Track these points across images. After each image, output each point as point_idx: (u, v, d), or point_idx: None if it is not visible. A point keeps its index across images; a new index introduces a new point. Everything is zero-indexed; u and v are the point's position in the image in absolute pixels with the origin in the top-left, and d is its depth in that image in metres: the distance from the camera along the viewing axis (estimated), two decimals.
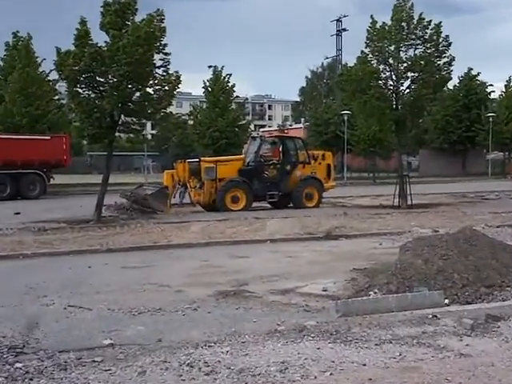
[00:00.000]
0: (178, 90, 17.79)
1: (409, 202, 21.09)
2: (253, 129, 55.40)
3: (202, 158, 22.07)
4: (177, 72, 17.04)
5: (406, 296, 6.54)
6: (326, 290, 8.02)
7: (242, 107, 44.31)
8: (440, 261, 7.26)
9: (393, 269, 7.57)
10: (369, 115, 22.64)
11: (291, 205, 21.76)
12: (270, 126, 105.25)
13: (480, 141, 55.05)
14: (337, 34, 71.10)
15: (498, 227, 14.38)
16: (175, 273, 9.59)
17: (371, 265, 9.68)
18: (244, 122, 44.48)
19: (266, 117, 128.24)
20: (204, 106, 45.20)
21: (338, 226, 15.16)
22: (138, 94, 17.06)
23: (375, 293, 7.12)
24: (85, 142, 67.59)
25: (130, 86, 16.58)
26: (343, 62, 64.05)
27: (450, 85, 45.40)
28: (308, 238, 13.56)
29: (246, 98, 52.59)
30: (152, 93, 17.00)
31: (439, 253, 7.41)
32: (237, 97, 42.65)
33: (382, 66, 20.54)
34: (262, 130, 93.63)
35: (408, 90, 20.73)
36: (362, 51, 20.68)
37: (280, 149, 22.19)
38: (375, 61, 20.46)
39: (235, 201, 20.51)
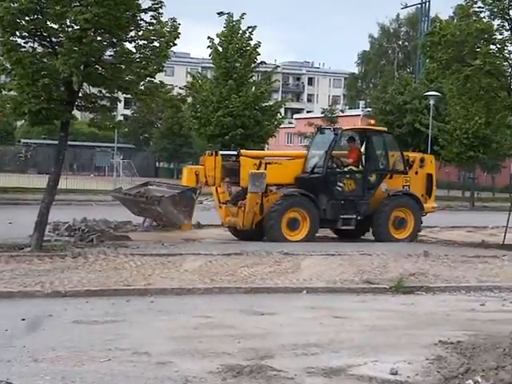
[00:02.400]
0: (172, 49, 17.93)
1: None
2: (283, 113, 55.58)
3: (243, 151, 22.43)
4: (173, 20, 17.22)
5: None
6: (395, 374, 7.98)
7: (270, 80, 44.32)
8: None
9: (506, 345, 7.55)
10: (471, 99, 22.56)
11: (370, 236, 22.14)
12: (309, 112, 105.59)
13: None
14: None
15: None
16: (158, 334, 9.62)
17: (469, 336, 9.64)
18: (271, 102, 44.67)
19: (305, 96, 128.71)
20: (209, 76, 45.42)
21: (414, 273, 15.17)
22: (111, 50, 17.24)
23: (477, 383, 7.07)
24: (19, 124, 68.49)
25: (99, 39, 16.72)
26: (432, 14, 64.37)
27: None
28: (367, 290, 13.61)
29: (277, 66, 52.75)
30: (134, 50, 17.17)
31: None
32: (262, 63, 42.87)
33: (496, 22, 20.55)
34: (295, 116, 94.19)
35: None
36: None
37: (362, 149, 22.49)
38: (486, 13, 20.46)
39: (293, 226, 20.81)
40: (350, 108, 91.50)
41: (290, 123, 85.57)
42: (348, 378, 7.82)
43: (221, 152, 21.99)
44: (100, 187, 42.99)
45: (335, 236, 22.97)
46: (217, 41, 41.24)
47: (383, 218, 21.64)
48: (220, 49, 41.27)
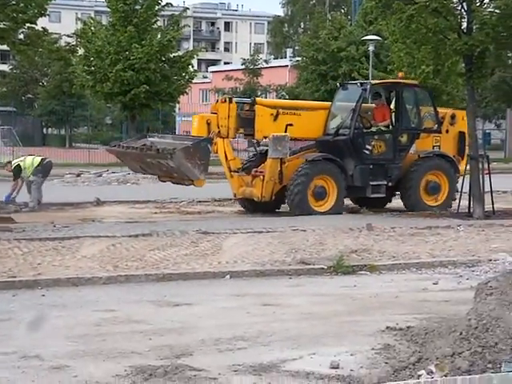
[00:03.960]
0: None
1: (487, 207, 21.38)
2: (195, 66, 55.33)
3: (259, 99, 23.31)
4: None
5: (489, 378, 6.59)
6: (337, 367, 8.11)
7: (178, 25, 44.06)
8: None
9: (462, 328, 7.68)
10: (417, 43, 22.73)
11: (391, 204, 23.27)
12: (227, 63, 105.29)
13: None
14: None
15: None
16: (51, 333, 9.57)
17: (420, 320, 9.88)
18: (181, 52, 44.44)
19: (221, 45, 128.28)
20: (104, 21, 44.96)
21: (355, 250, 15.45)
22: None
23: (431, 373, 7.17)
24: None
25: None
26: None
27: None
28: (301, 271, 13.77)
29: (186, 9, 52.50)
30: None
31: None
32: (168, 5, 42.60)
33: None
34: (211, 69, 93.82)
35: None
36: None
37: (392, 105, 23.06)
38: None
39: (320, 196, 21.47)
40: (276, 58, 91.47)
41: (205, 77, 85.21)
42: (281, 375, 7.90)
43: (235, 99, 22.51)
44: None
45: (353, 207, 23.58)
46: None
47: (414, 183, 22.28)
48: None
